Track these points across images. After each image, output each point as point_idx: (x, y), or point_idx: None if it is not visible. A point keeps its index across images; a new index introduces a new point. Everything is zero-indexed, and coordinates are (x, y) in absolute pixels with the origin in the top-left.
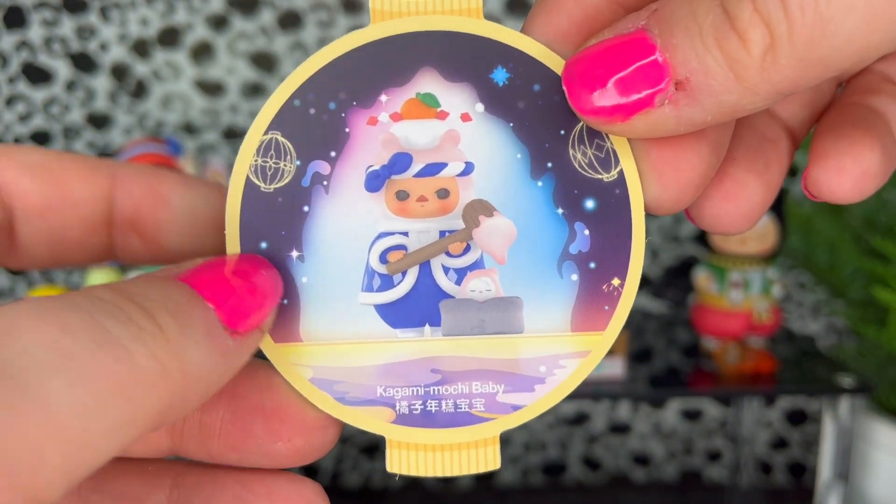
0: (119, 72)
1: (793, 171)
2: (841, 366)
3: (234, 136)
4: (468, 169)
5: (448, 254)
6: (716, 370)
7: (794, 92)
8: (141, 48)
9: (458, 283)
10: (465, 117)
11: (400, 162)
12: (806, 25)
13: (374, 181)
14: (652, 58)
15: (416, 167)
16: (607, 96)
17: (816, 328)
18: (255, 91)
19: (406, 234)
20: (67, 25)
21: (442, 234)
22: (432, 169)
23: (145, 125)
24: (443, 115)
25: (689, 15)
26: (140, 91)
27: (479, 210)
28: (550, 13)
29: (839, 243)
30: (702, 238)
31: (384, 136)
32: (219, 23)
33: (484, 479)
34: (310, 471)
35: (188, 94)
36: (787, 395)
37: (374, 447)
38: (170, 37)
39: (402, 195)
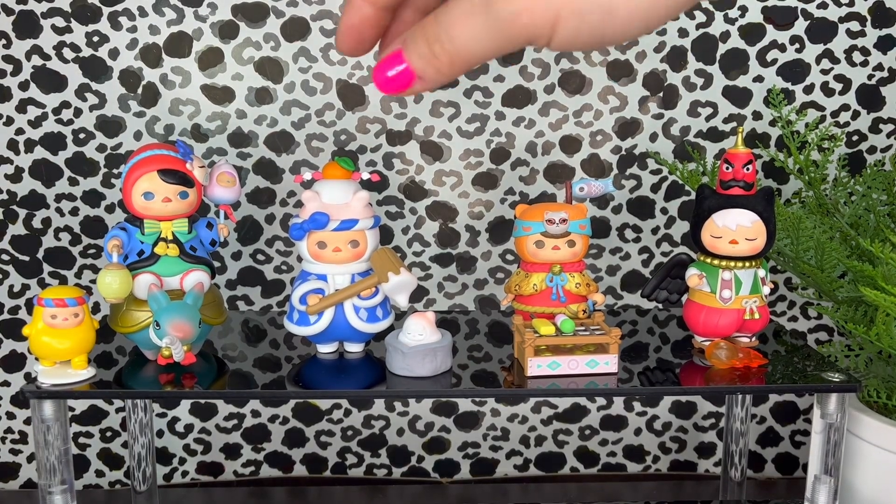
0: (128, 77)
1: (782, 176)
2: (830, 363)
3: (241, 140)
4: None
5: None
6: (707, 367)
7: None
8: (150, 55)
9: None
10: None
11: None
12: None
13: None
14: (404, 65)
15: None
16: (389, 86)
17: (805, 326)
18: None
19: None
20: (78, 32)
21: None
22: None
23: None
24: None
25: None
26: (149, 96)
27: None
28: (347, 14)
29: (827, 244)
30: (694, 238)
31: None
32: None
33: (483, 472)
34: (316, 461)
35: (196, 100)
36: (777, 391)
37: (376, 441)
38: (178, 44)
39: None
